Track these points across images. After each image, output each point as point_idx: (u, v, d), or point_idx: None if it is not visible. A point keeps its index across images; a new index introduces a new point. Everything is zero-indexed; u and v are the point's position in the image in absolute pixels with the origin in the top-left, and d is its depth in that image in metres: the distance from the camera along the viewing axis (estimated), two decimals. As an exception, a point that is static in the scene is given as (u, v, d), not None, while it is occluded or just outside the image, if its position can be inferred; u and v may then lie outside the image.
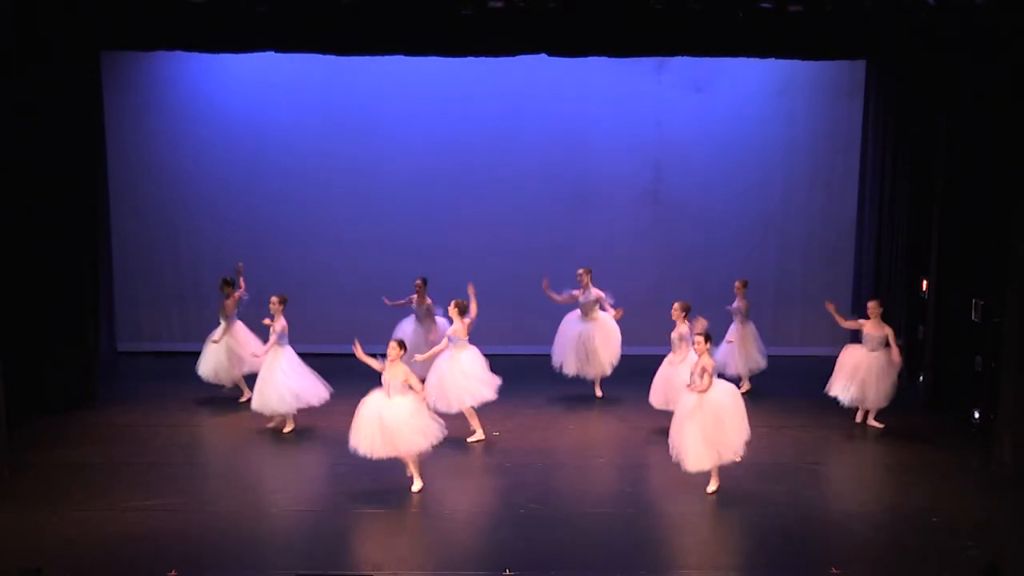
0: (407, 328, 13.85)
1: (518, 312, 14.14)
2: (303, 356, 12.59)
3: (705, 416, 10.31)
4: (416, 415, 10.46)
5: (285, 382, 12.19)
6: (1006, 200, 11.69)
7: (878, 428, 12.68)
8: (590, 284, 13.58)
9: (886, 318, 12.70)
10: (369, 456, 10.39)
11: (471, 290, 12.22)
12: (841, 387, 12.67)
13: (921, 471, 11.36)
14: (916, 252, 14.38)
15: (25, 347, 12.42)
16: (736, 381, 13.82)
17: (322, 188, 15.98)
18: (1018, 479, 10.79)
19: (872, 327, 12.59)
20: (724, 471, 10.82)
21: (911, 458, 11.79)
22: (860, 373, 12.57)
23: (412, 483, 10.65)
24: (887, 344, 12.53)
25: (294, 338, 12.58)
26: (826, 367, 13.00)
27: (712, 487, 10.56)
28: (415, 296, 13.97)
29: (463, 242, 15.87)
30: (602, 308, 13.57)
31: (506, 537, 9.54)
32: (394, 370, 10.41)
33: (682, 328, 12.15)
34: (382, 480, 10.86)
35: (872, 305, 12.69)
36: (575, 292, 13.64)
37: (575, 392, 14.02)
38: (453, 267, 15.67)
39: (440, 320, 13.58)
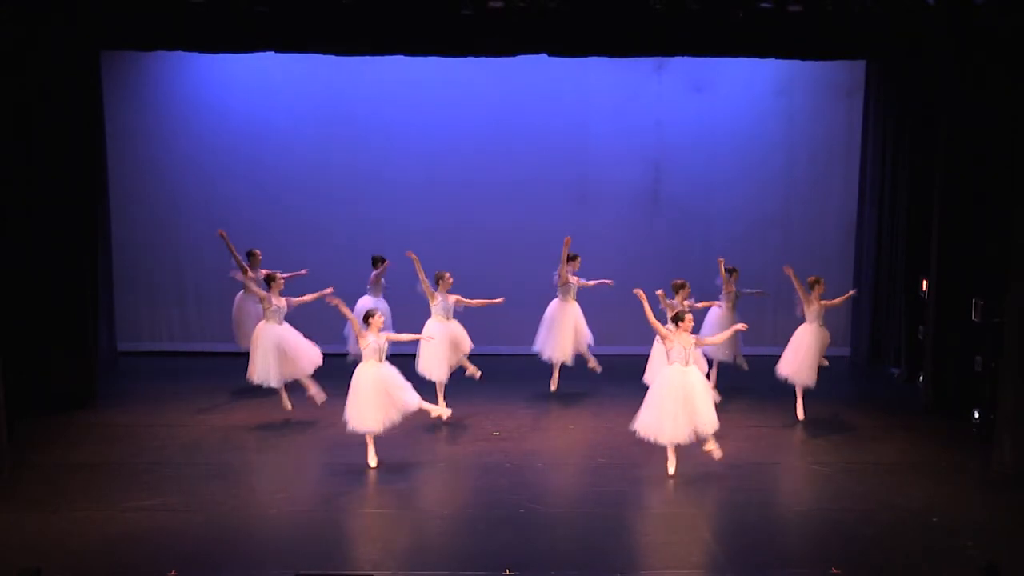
0: (368, 303, 13.89)
1: (518, 313, 14.14)
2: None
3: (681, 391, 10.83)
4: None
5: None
6: (1006, 200, 11.69)
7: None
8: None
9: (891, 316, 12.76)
10: (381, 431, 10.96)
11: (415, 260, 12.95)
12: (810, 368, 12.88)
13: (921, 471, 11.36)
14: (916, 252, 14.39)
15: (25, 347, 12.42)
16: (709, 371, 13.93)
17: (321, 188, 15.98)
18: (1018, 479, 10.79)
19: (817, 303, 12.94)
20: (722, 470, 10.84)
21: (911, 458, 11.79)
22: (813, 350, 12.85)
23: (370, 459, 11.18)
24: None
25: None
26: (824, 367, 13.02)
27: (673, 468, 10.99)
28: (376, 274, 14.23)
29: (462, 242, 15.86)
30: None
31: (506, 537, 9.54)
32: (379, 337, 11.10)
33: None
34: (382, 480, 10.87)
35: (818, 281, 13.01)
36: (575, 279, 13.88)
37: (575, 392, 14.02)
38: (453, 267, 15.66)
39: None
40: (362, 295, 14.25)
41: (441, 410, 11.97)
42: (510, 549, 9.25)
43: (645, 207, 16.25)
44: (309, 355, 12.67)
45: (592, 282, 13.84)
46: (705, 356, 12.98)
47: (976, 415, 12.47)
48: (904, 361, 14.87)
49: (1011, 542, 9.49)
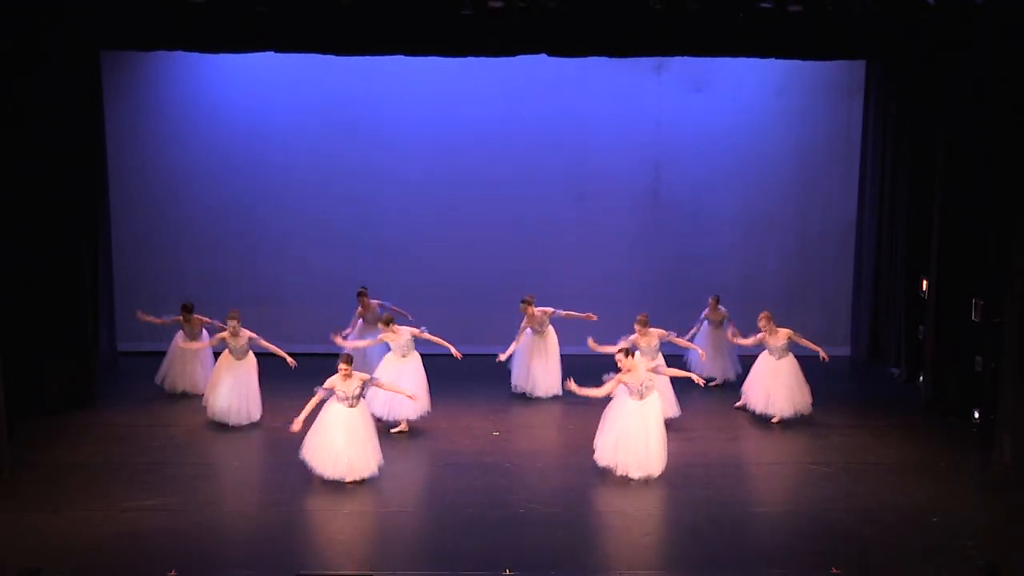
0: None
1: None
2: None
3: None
4: (373, 435, 10.91)
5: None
6: (1006, 200, 11.69)
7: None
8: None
9: (886, 321, 12.70)
10: (336, 478, 10.67)
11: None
12: (756, 397, 12.95)
13: (921, 471, 11.37)
14: (916, 252, 14.38)
15: (25, 347, 12.42)
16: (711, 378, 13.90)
17: (321, 188, 15.96)
18: (1018, 479, 10.79)
19: (772, 339, 12.87)
20: (722, 470, 10.85)
21: (911, 458, 11.80)
22: (771, 381, 12.86)
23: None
24: (789, 350, 12.89)
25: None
26: (825, 367, 13.03)
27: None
28: (359, 308, 13.91)
29: (463, 241, 15.86)
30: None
31: (506, 537, 9.55)
32: (350, 382, 10.73)
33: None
34: (382, 480, 10.87)
35: (763, 317, 12.89)
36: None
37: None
38: (452, 268, 15.70)
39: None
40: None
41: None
42: (510, 549, 9.26)
43: (645, 207, 16.23)
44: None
45: (563, 312, 13.66)
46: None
47: (976, 415, 12.47)
48: (904, 361, 14.86)
49: (1011, 542, 9.50)
